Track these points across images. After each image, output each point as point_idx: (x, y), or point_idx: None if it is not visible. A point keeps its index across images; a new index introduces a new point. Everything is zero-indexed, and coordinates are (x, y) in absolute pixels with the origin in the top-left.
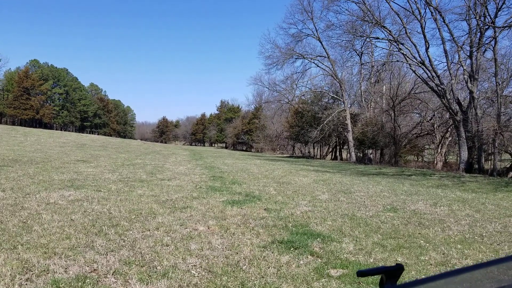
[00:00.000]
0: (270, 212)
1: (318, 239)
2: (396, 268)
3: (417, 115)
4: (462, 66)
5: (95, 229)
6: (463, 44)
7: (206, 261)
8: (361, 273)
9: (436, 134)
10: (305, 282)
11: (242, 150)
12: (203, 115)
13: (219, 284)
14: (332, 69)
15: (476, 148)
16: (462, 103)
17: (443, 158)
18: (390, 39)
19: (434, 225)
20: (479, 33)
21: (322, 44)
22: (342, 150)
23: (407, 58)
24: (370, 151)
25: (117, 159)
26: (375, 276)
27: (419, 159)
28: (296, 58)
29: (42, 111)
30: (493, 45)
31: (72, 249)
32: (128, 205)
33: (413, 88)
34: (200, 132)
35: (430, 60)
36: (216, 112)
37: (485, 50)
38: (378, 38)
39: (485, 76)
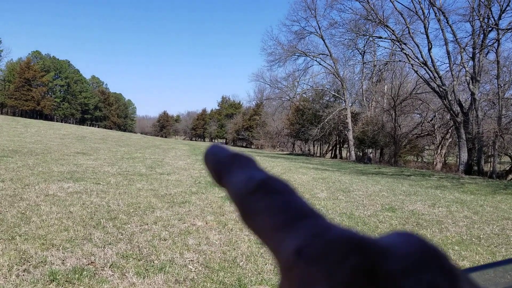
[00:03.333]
0: None
1: None
2: None
3: (418, 115)
4: (464, 67)
5: (93, 222)
6: (466, 46)
7: (204, 256)
8: None
9: (436, 135)
10: None
11: (242, 147)
12: (204, 111)
13: (216, 280)
14: (334, 67)
15: (476, 150)
16: (463, 104)
17: (443, 159)
18: (393, 39)
19: (432, 226)
20: (482, 35)
21: (324, 42)
22: (342, 148)
23: (410, 58)
24: (370, 150)
25: (117, 152)
26: None
27: (419, 160)
28: (298, 56)
29: (43, 102)
30: (496, 47)
31: (70, 241)
32: (127, 199)
33: (414, 88)
34: (200, 127)
35: (432, 61)
36: (217, 107)
37: (488, 52)
38: (381, 37)
39: (487, 78)
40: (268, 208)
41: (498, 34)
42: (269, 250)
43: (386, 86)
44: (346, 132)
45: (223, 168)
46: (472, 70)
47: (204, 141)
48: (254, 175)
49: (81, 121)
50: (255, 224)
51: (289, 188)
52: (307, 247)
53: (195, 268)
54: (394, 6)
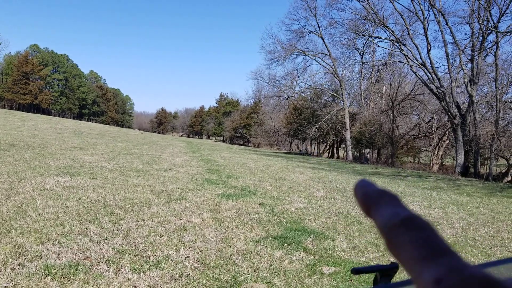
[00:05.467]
0: (265, 207)
1: (312, 236)
2: (391, 267)
3: (416, 116)
4: (462, 69)
5: (90, 217)
6: (465, 48)
7: (199, 253)
8: (356, 271)
9: (433, 137)
10: (297, 278)
11: (240, 144)
12: (202, 108)
13: (211, 277)
14: (333, 67)
15: (473, 152)
16: (461, 106)
17: (440, 160)
18: (392, 40)
19: None
20: (481, 37)
21: (324, 42)
22: (339, 148)
23: (409, 59)
24: (367, 150)
25: (114, 148)
26: (368, 274)
27: (416, 161)
28: (297, 55)
29: (41, 96)
30: (495, 50)
31: (65, 235)
32: (123, 194)
33: (413, 89)
34: (198, 125)
35: (431, 62)
36: (215, 105)
37: (487, 54)
38: (380, 38)
39: (485, 81)
40: (412, 241)
41: (497, 37)
42: (411, 277)
43: (384, 86)
44: (343, 132)
45: (372, 202)
46: (470, 73)
47: (202, 138)
48: (399, 211)
49: (79, 116)
50: (399, 254)
51: (430, 226)
52: (446, 279)
53: (191, 265)
54: (394, 6)
